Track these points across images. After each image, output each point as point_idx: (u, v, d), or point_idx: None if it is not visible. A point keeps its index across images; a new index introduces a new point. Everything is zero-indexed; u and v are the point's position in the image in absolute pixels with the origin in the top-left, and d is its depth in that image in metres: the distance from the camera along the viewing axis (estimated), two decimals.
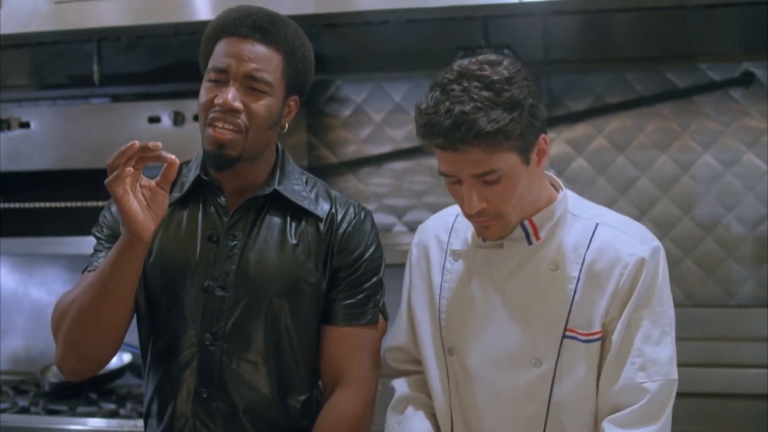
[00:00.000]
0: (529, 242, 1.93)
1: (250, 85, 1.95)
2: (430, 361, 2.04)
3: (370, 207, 3.55)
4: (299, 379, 2.07)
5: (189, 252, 2.03)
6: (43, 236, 3.37)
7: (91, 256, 2.09)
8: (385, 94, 3.52)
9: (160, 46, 3.35)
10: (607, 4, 2.69)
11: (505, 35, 2.98)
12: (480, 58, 1.83)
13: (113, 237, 2.05)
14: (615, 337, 1.88)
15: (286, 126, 2.05)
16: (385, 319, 2.13)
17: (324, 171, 3.55)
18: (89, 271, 2.05)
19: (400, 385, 2.11)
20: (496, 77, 1.78)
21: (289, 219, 2.05)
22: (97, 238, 2.10)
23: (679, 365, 1.92)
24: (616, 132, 3.35)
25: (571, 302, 1.89)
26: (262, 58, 1.95)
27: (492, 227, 1.89)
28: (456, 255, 2.02)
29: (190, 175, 2.07)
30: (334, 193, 2.11)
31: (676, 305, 1.97)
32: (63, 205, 3.34)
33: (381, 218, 3.51)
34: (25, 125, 3.31)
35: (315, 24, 2.89)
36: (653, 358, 1.87)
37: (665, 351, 1.88)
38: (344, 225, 2.06)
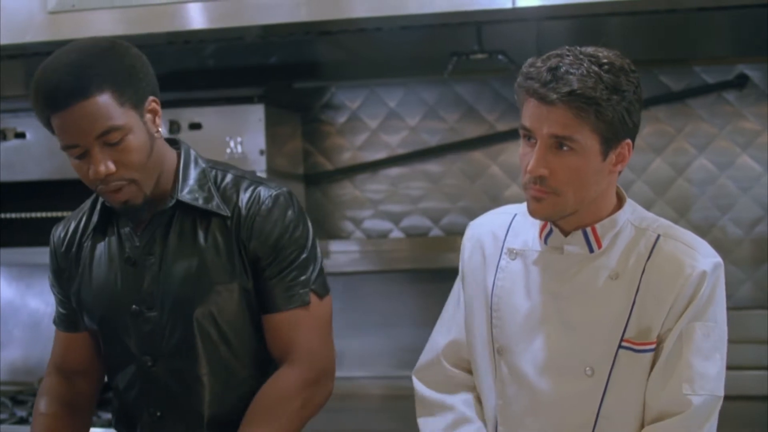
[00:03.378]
0: (591, 250, 1.90)
1: (105, 141, 1.86)
2: (481, 358, 2.01)
3: (366, 213, 3.55)
4: (250, 376, 2.04)
5: (112, 279, 2.03)
6: (40, 246, 3.35)
7: (56, 309, 2.18)
8: (380, 100, 3.52)
9: (154, 56, 3.30)
10: (600, 9, 2.68)
11: (498, 41, 2.98)
12: (599, 48, 1.84)
13: (62, 294, 2.15)
14: (665, 348, 1.86)
15: (160, 127, 1.97)
16: (327, 292, 2.06)
17: (320, 178, 3.55)
18: (56, 327, 2.17)
19: (462, 404, 2.05)
20: (606, 61, 1.79)
21: (198, 223, 2.00)
22: (53, 293, 2.19)
23: None
24: None
25: (629, 312, 1.87)
26: (94, 113, 1.84)
27: (544, 202, 1.84)
28: (513, 254, 1.98)
29: (99, 202, 2.06)
30: (245, 181, 2.03)
31: None
32: (60, 214, 3.33)
33: (377, 224, 3.51)
34: (21, 135, 3.32)
35: (309, 31, 2.88)
36: (701, 372, 1.85)
37: (714, 366, 1.86)
38: (251, 214, 1.98)
